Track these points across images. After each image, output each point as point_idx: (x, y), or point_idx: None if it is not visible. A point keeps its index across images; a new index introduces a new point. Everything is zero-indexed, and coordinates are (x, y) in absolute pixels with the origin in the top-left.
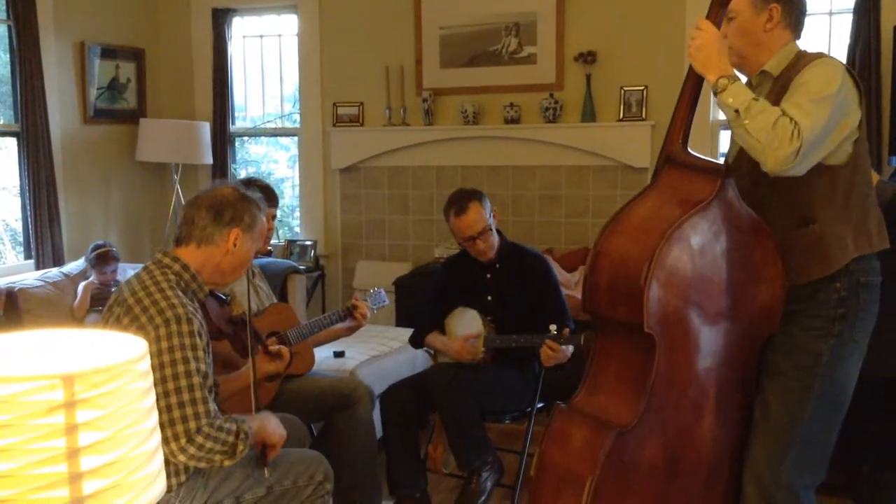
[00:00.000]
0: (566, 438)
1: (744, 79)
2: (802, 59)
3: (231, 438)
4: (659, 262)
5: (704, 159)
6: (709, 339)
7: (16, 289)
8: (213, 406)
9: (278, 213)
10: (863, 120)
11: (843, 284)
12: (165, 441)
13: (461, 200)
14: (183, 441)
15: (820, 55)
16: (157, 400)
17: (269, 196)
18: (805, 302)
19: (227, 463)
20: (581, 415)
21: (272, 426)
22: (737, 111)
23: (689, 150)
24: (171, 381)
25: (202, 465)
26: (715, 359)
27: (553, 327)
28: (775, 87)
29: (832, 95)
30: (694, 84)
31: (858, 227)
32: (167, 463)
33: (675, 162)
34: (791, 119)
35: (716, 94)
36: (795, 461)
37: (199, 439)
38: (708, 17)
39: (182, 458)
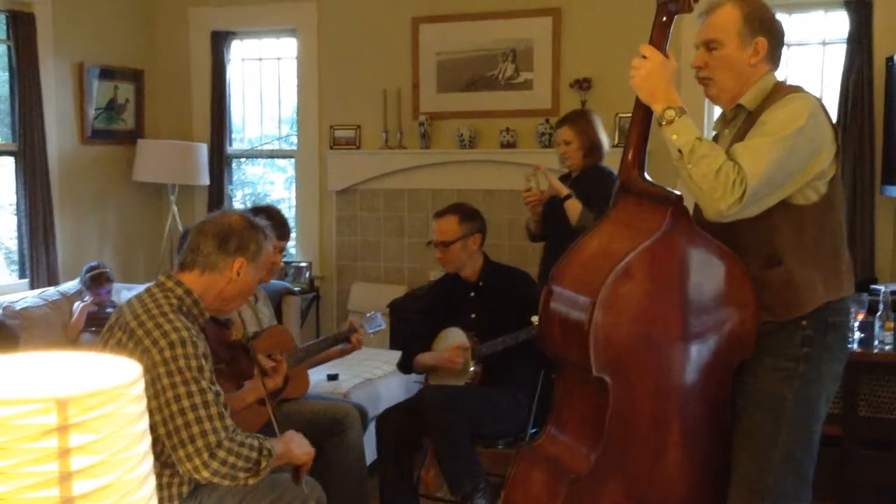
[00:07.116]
0: (527, 483)
1: (717, 110)
2: (777, 94)
3: (254, 455)
4: (604, 305)
5: (657, 186)
6: (668, 375)
7: (17, 307)
8: (230, 421)
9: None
10: (839, 157)
11: (810, 323)
12: (188, 457)
13: (446, 207)
14: (206, 455)
15: (795, 89)
16: (174, 419)
17: (283, 230)
18: (768, 339)
19: (251, 481)
20: (541, 458)
21: (297, 447)
22: (680, 151)
23: (647, 176)
24: (185, 398)
25: (227, 482)
26: (677, 393)
27: (535, 318)
28: (748, 121)
29: (792, 135)
30: (644, 110)
31: (830, 270)
32: (160, 488)
33: (628, 190)
34: (735, 165)
35: (660, 125)
36: None
37: (221, 454)
38: (651, 41)
39: (206, 473)
